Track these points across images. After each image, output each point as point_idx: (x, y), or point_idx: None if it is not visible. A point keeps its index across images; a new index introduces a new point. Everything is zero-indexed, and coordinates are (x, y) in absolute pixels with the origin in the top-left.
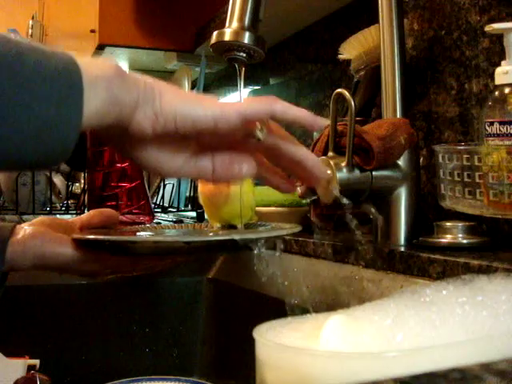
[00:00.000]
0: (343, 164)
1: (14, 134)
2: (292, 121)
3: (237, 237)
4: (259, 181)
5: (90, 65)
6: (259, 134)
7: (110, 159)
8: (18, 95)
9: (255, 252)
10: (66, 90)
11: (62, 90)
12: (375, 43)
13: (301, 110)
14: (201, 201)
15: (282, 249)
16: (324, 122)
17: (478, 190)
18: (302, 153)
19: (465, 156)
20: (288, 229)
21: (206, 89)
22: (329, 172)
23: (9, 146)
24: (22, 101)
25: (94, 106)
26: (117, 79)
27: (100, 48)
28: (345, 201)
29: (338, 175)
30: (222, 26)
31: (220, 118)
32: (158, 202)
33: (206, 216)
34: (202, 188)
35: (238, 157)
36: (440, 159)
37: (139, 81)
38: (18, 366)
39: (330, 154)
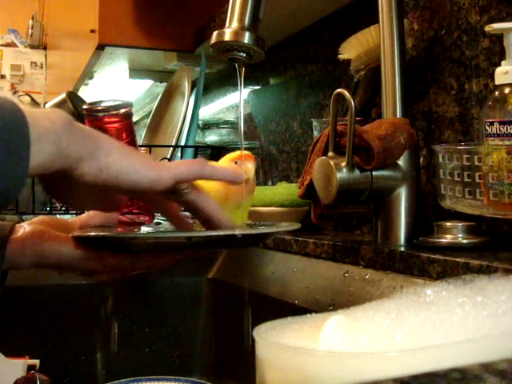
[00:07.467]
0: (343, 164)
1: None
2: (218, 179)
3: (237, 232)
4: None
5: (39, 116)
6: (184, 193)
7: None
8: None
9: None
10: (13, 144)
11: (8, 144)
12: (375, 43)
13: (224, 169)
14: None
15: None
16: (242, 176)
17: (477, 190)
18: (213, 209)
19: (465, 156)
20: (288, 226)
21: (206, 89)
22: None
23: None
24: None
25: (41, 159)
26: (66, 133)
27: (100, 48)
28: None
29: (338, 175)
30: (222, 25)
31: (157, 182)
32: None
33: None
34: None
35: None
36: (440, 159)
37: (87, 135)
38: (18, 366)
39: (330, 153)
